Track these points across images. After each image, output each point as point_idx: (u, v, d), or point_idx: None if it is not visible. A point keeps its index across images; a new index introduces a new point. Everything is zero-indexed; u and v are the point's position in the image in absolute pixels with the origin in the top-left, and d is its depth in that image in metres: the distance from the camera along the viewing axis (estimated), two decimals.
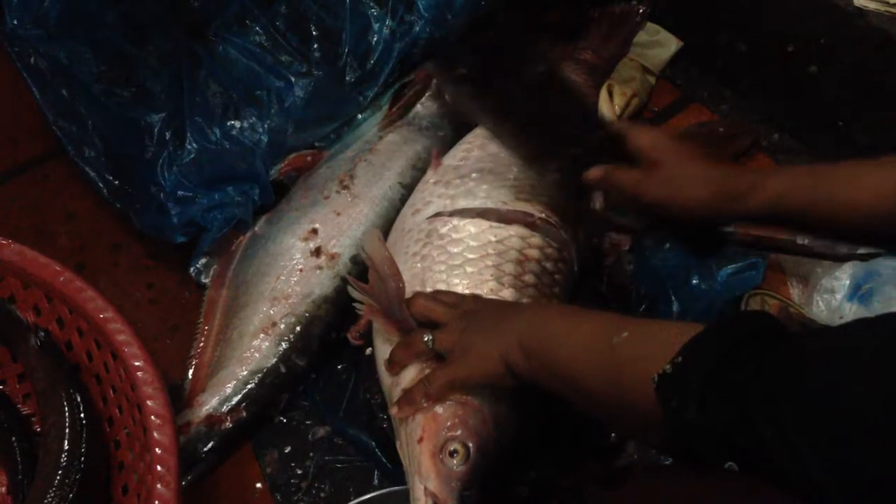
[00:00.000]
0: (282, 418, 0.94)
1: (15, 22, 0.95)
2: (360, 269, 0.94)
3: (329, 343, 0.96)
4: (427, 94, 1.13)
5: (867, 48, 1.04)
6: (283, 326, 0.93)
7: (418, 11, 1.09)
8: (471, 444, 0.73)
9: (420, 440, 0.74)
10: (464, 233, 0.88)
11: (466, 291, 0.83)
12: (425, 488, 0.72)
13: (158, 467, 0.68)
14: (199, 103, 1.05)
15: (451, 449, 0.72)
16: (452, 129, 1.11)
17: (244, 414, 0.90)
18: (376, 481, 0.89)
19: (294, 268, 0.97)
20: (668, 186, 0.76)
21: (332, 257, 0.97)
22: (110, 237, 1.08)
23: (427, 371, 0.76)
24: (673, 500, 0.59)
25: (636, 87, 1.22)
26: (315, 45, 1.11)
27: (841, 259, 1.00)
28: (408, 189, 1.02)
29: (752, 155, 1.20)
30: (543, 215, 0.90)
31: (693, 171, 0.76)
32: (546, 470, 0.82)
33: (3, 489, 0.82)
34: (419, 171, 1.04)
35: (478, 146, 0.99)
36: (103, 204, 1.02)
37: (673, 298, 0.99)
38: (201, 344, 0.95)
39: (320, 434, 0.93)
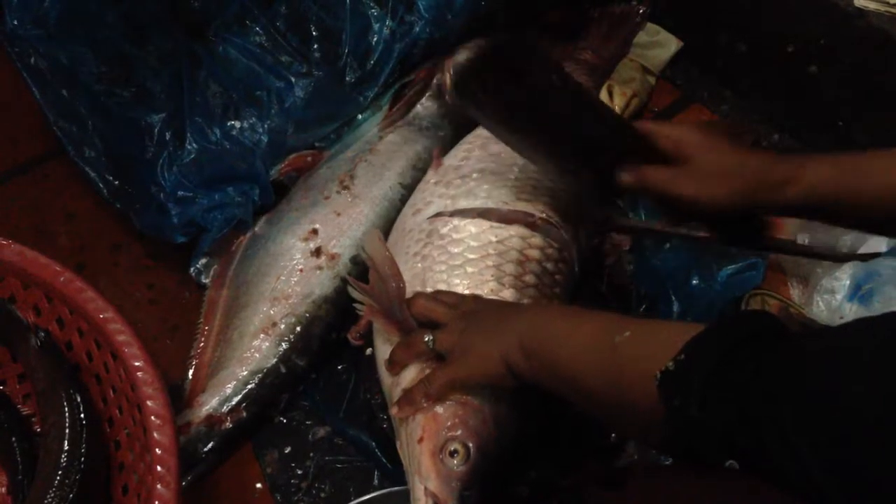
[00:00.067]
0: (282, 418, 0.94)
1: (15, 22, 0.95)
2: (360, 269, 0.94)
3: (329, 343, 0.96)
4: (427, 95, 1.13)
5: (867, 48, 1.04)
6: (283, 327, 0.93)
7: (418, 12, 1.09)
8: (471, 444, 0.73)
9: (420, 440, 0.74)
10: (464, 233, 0.88)
11: (467, 291, 0.83)
12: (425, 488, 0.72)
13: (158, 467, 0.68)
14: (199, 103, 1.05)
15: (452, 449, 0.72)
16: (453, 130, 1.11)
17: (244, 414, 0.90)
18: (376, 481, 0.89)
19: (294, 268, 0.97)
20: (701, 182, 0.75)
21: (333, 257, 0.97)
22: (110, 237, 1.08)
23: (427, 371, 0.76)
24: (673, 500, 0.59)
25: (636, 88, 1.22)
26: (315, 46, 1.11)
27: (841, 259, 1.00)
28: (408, 189, 1.02)
29: None
30: (544, 215, 0.90)
31: (725, 165, 0.75)
32: (546, 470, 0.82)
33: (3, 489, 0.82)
34: (420, 171, 1.04)
35: (479, 146, 0.99)
36: (103, 204, 1.02)
37: (673, 298, 0.99)
38: (201, 344, 0.95)
39: (320, 434, 0.93)
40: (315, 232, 0.99)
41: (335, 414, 0.93)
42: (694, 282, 0.99)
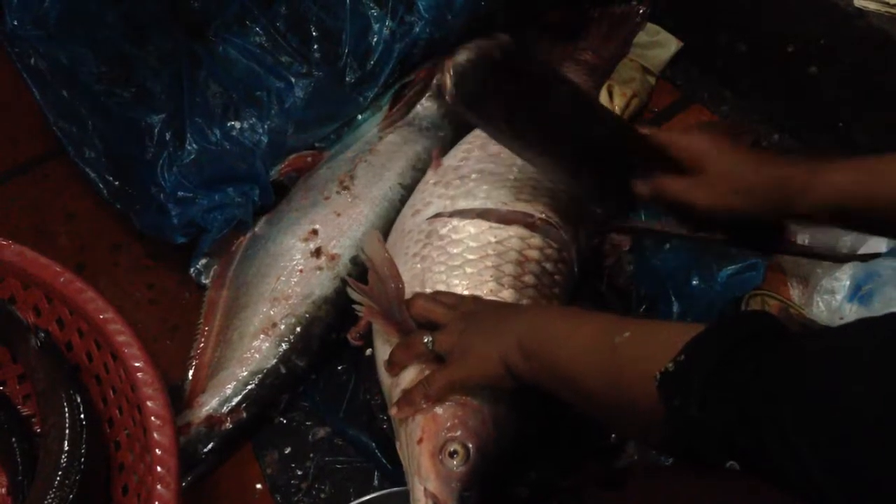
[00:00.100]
0: (282, 419, 0.94)
1: (15, 22, 0.95)
2: (360, 269, 0.94)
3: (329, 344, 0.96)
4: (427, 95, 1.13)
5: (867, 48, 1.04)
6: (283, 327, 0.93)
7: (418, 12, 1.09)
8: (470, 445, 0.73)
9: (420, 441, 0.74)
10: (463, 233, 0.88)
11: (466, 292, 0.83)
12: (425, 489, 0.72)
13: (158, 468, 0.68)
14: (199, 104, 1.05)
15: (451, 450, 0.72)
16: (452, 130, 1.11)
17: (244, 415, 0.90)
18: (376, 482, 0.89)
19: (294, 268, 0.97)
20: (717, 192, 0.74)
21: (333, 258, 0.97)
22: (110, 237, 1.08)
23: (427, 372, 0.76)
24: (673, 500, 0.59)
25: (636, 88, 1.22)
26: (315, 46, 1.11)
27: (841, 260, 1.00)
28: (408, 190, 1.02)
29: None
30: (543, 216, 0.90)
31: (740, 175, 0.74)
32: (546, 471, 0.82)
33: (3, 490, 0.82)
34: (419, 171, 1.04)
35: (478, 146, 0.99)
36: (103, 204, 1.02)
37: (673, 299, 0.99)
38: (201, 345, 0.95)
39: (320, 435, 0.93)
40: (315, 232, 0.99)
41: (335, 414, 0.93)
42: (694, 282, 0.99)
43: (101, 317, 0.77)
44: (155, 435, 0.70)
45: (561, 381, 0.66)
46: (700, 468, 0.54)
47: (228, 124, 1.06)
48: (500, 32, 1.18)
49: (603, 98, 1.19)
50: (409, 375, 0.78)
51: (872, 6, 1.03)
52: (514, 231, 0.88)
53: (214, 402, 0.90)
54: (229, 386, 0.90)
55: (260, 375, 0.91)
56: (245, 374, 0.91)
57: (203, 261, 1.01)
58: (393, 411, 0.77)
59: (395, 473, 0.87)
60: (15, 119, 1.17)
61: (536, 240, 0.88)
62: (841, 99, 1.12)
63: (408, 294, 0.82)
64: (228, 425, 0.89)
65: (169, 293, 1.04)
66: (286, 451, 0.92)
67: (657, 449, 0.76)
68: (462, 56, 1.13)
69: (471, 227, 0.89)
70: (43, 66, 0.98)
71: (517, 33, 1.21)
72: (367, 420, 0.91)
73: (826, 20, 1.08)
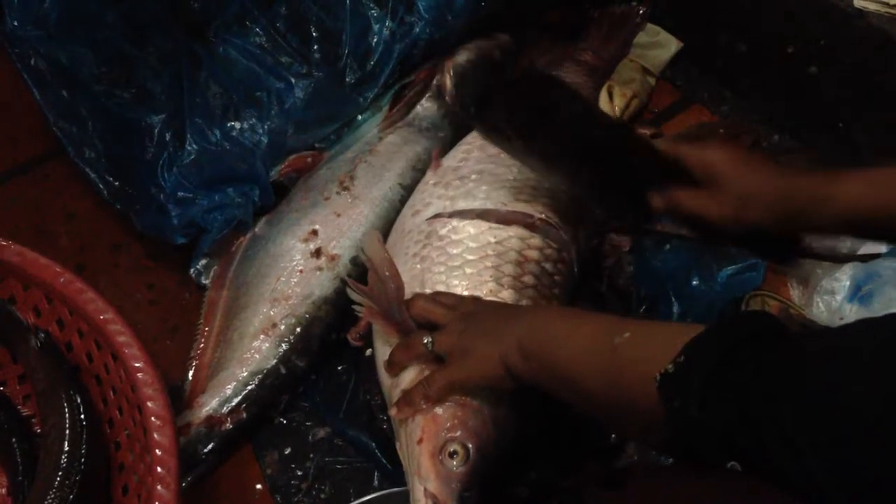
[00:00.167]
0: (282, 419, 0.94)
1: (15, 23, 0.95)
2: (360, 270, 0.94)
3: (329, 344, 0.96)
4: (427, 96, 1.13)
5: (867, 49, 1.04)
6: (283, 327, 0.93)
7: (418, 12, 1.09)
8: (470, 445, 0.73)
9: (420, 441, 0.74)
10: (463, 234, 0.88)
11: (465, 292, 0.83)
12: (425, 489, 0.72)
13: (158, 468, 0.68)
14: (199, 104, 1.05)
15: (451, 450, 0.72)
16: (452, 131, 1.11)
17: (244, 415, 0.90)
18: (376, 482, 0.89)
19: (294, 269, 0.97)
20: (733, 205, 0.74)
21: (333, 258, 0.97)
22: (110, 238, 1.08)
23: (426, 372, 0.76)
24: (673, 500, 0.59)
25: (636, 89, 1.22)
26: (315, 47, 1.11)
27: (841, 260, 1.00)
28: (408, 190, 1.02)
29: None
30: (543, 216, 0.90)
31: (756, 188, 0.73)
32: (546, 471, 0.82)
33: (4, 490, 0.82)
34: (419, 172, 1.04)
35: (477, 147, 0.99)
36: (103, 204, 1.02)
37: (673, 300, 0.99)
38: (201, 345, 0.95)
39: (320, 435, 0.93)
40: (315, 233, 0.99)
41: (335, 415, 0.93)
42: (694, 283, 0.99)
43: (102, 317, 0.77)
44: (155, 435, 0.70)
45: (561, 382, 0.66)
46: (700, 468, 0.54)
47: (228, 125, 1.06)
48: (500, 33, 1.19)
49: (603, 98, 1.19)
50: (409, 376, 0.78)
51: (872, 6, 1.03)
52: (513, 231, 0.88)
53: (214, 403, 0.90)
54: (229, 386, 0.90)
55: (260, 376, 0.91)
56: (245, 374, 0.91)
57: (203, 261, 1.01)
58: (393, 412, 0.77)
59: (395, 474, 0.87)
60: (15, 119, 1.17)
61: (536, 240, 0.88)
62: (841, 99, 1.12)
63: (408, 294, 0.82)
64: (228, 426, 0.89)
65: (169, 293, 1.04)
66: (286, 452, 0.92)
67: (657, 449, 0.76)
68: (462, 57, 1.14)
69: (470, 228, 0.89)
70: (43, 66, 0.98)
71: (517, 33, 1.22)
72: (367, 420, 0.91)
73: (826, 20, 1.08)
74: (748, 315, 0.68)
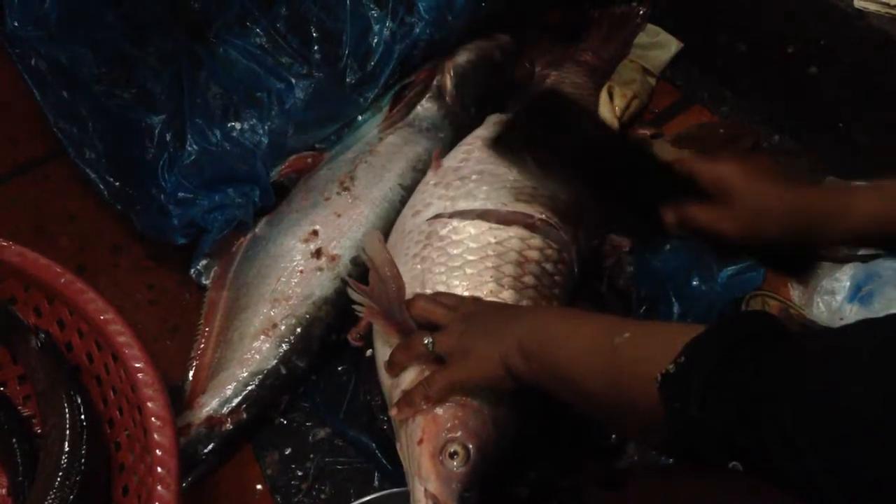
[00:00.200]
0: (282, 420, 0.94)
1: (15, 23, 0.95)
2: (360, 270, 0.94)
3: (329, 344, 0.96)
4: (427, 96, 1.13)
5: (867, 49, 1.04)
6: (283, 328, 0.93)
7: (419, 13, 1.09)
8: (471, 446, 0.73)
9: (420, 442, 0.74)
10: (463, 234, 0.88)
11: (466, 293, 0.83)
12: (425, 490, 0.72)
13: (159, 469, 0.68)
14: (199, 105, 1.05)
15: (451, 450, 0.72)
16: (453, 131, 1.11)
17: (244, 415, 0.90)
18: (377, 483, 0.89)
19: (294, 269, 0.97)
20: (746, 221, 0.73)
21: (333, 259, 0.97)
22: (111, 238, 1.08)
23: (427, 373, 0.76)
24: (673, 500, 0.59)
25: (636, 89, 1.22)
26: (315, 47, 1.11)
27: (841, 261, 1.00)
28: (408, 191, 1.02)
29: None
30: (543, 216, 0.90)
31: (769, 204, 0.73)
32: (546, 471, 0.82)
33: (4, 490, 0.82)
34: (419, 172, 1.04)
35: (478, 147, 0.99)
36: (104, 205, 1.02)
37: (673, 300, 0.99)
38: (202, 345, 0.95)
39: (321, 435, 0.93)
40: (315, 233, 0.99)
41: (335, 415, 0.93)
42: (694, 283, 0.99)
43: (102, 317, 0.77)
44: (155, 436, 0.70)
45: (561, 382, 0.66)
46: (700, 468, 0.54)
47: (229, 125, 1.06)
48: (501, 33, 1.19)
49: (603, 99, 1.19)
50: (410, 376, 0.78)
51: (872, 7, 1.03)
52: (514, 232, 0.88)
53: (215, 403, 0.90)
54: (229, 387, 0.90)
55: (260, 376, 0.91)
56: (245, 374, 0.91)
57: (203, 261, 1.01)
58: (393, 412, 0.77)
59: (396, 474, 0.87)
60: (15, 120, 1.17)
61: (536, 240, 0.88)
62: (841, 99, 1.12)
63: (408, 295, 0.82)
64: (229, 426, 0.89)
65: (169, 294, 1.04)
66: (286, 452, 0.92)
67: (657, 449, 0.76)
68: (462, 57, 1.14)
69: (471, 228, 0.89)
70: (43, 66, 0.98)
71: (517, 34, 1.22)
72: (367, 421, 0.91)
73: (826, 20, 1.08)
74: (748, 315, 0.68)
